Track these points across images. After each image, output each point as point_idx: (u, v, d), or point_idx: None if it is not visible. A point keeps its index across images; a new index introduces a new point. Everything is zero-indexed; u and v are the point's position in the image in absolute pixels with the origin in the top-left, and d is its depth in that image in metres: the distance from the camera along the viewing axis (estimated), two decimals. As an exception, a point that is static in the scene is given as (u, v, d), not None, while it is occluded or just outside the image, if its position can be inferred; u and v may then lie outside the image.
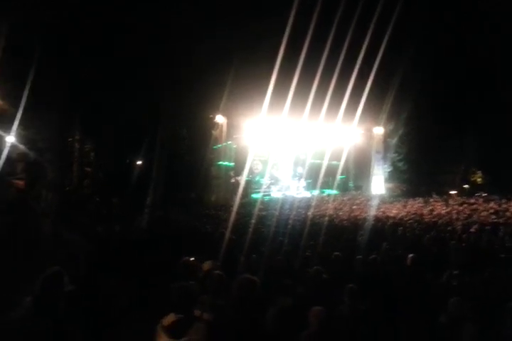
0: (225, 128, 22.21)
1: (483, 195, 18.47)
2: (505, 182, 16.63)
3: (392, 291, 5.05)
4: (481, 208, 14.20)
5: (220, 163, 22.53)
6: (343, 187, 25.01)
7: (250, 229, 8.10)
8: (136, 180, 19.69)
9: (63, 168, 16.00)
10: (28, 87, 12.35)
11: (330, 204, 16.69)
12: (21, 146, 17.19)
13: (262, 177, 22.67)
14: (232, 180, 21.91)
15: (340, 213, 14.36)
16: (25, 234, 4.38)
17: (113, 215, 11.80)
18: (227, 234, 6.50)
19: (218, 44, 17.48)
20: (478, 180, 23.27)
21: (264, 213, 13.74)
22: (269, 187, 22.96)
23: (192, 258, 4.11)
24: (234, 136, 22.56)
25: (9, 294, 2.94)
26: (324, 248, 7.55)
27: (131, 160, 22.66)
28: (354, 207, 16.32)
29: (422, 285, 5.26)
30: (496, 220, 11.55)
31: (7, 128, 14.77)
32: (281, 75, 16.86)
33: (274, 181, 23.54)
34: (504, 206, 14.22)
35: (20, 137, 16.24)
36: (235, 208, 12.16)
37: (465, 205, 15.17)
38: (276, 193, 22.12)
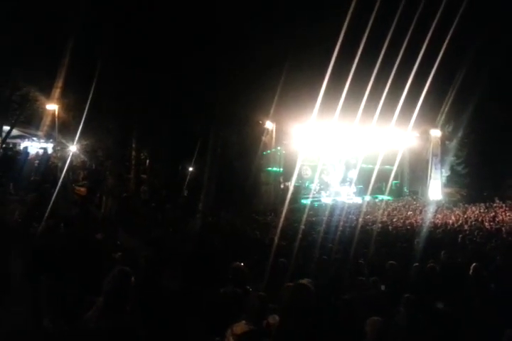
0: (274, 134, 22.32)
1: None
2: None
3: (453, 301, 4.79)
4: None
5: (269, 168, 22.63)
6: (397, 193, 24.15)
7: (300, 236, 8.05)
8: (189, 186, 20.30)
9: (121, 176, 16.85)
10: (89, 100, 13.19)
11: (383, 211, 16.16)
12: (83, 155, 18.40)
13: (312, 182, 22.47)
14: (282, 186, 21.90)
15: (395, 219, 13.86)
16: (90, 243, 4.68)
17: (166, 220, 12.21)
18: (276, 240, 6.51)
19: (269, 50, 17.63)
20: (548, 184, 21.45)
21: (313, 219, 13.59)
22: (318, 192, 22.68)
23: (242, 264, 4.16)
24: (283, 142, 22.59)
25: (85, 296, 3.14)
26: (377, 256, 7.34)
27: (183, 167, 23.39)
28: (409, 213, 15.68)
29: (483, 297, 4.96)
30: None
31: (70, 139, 15.89)
32: (333, 78, 16.66)
33: (324, 186, 23.22)
34: None
35: (82, 146, 17.41)
36: (284, 214, 12.13)
37: (534, 212, 14.08)
38: (326, 199, 21.79)
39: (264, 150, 22.59)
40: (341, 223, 12.25)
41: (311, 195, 21.47)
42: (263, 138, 22.30)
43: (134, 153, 19.30)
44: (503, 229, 10.79)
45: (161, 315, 3.42)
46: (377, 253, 7.68)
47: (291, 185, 19.41)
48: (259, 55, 17.33)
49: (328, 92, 17.15)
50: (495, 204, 16.93)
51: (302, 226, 10.67)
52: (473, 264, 5.99)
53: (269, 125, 22.06)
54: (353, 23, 15.29)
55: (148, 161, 21.91)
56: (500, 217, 13.37)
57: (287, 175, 21.51)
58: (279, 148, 22.65)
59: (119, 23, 13.68)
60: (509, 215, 13.73)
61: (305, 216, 14.04)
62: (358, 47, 15.54)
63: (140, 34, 14.34)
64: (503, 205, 16.67)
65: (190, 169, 22.58)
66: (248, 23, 16.96)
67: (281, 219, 11.00)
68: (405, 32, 15.89)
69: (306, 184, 22.85)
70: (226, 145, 19.74)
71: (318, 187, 22.93)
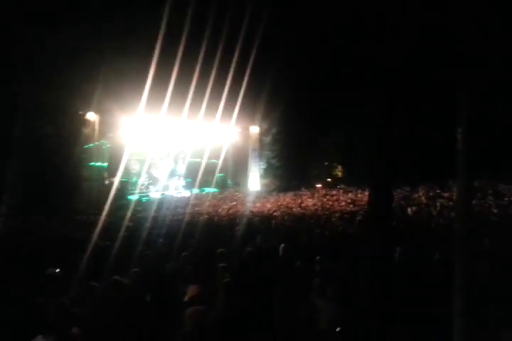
0: (97, 126, 20.77)
1: (343, 186, 20.95)
2: (359, 175, 19.04)
3: (267, 281, 5.39)
4: (341, 198, 16.06)
5: (93, 163, 21.01)
6: (222, 185, 25.63)
7: (126, 233, 7.81)
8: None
9: None
10: None
11: (209, 202, 16.98)
12: None
13: (140, 177, 21.88)
14: (106, 182, 20.63)
15: (220, 210, 14.73)
16: None
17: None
18: (100, 240, 6.18)
19: (84, 32, 16.15)
20: (339, 173, 26.21)
21: (141, 215, 13.31)
22: (147, 187, 22.25)
23: (57, 270, 3.82)
24: (108, 135, 21.26)
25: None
26: (204, 245, 7.70)
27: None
28: (232, 203, 16.90)
29: (293, 273, 5.74)
30: (353, 209, 13.22)
31: None
32: (159, 72, 16.50)
33: (153, 181, 22.91)
34: (359, 196, 16.32)
35: None
36: (109, 211, 11.52)
37: (328, 197, 16.99)
38: (154, 194, 21.57)
39: (86, 144, 20.79)
40: (170, 217, 12.38)
41: (138, 191, 20.90)
42: (84, 130, 20.51)
43: None
44: (308, 213, 12.75)
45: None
46: (203, 243, 8.06)
47: (117, 181, 18.47)
48: (73, 38, 15.78)
49: (154, 85, 16.94)
50: (301, 192, 19.77)
51: (129, 223, 10.35)
52: (282, 245, 6.93)
53: (91, 116, 20.40)
54: (177, 17, 15.44)
55: None
56: (305, 203, 15.68)
57: (113, 170, 20.37)
58: (103, 141, 21.21)
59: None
60: (311, 201, 16.22)
61: (132, 212, 13.65)
62: (180, 42, 15.81)
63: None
64: (308, 192, 19.63)
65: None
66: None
67: (106, 218, 10.43)
68: (223, 32, 16.84)
69: (134, 179, 22.11)
70: (38, 138, 17.41)
71: (146, 182, 22.47)
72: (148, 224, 9.89)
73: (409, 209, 11.54)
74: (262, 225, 10.33)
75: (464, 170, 2.22)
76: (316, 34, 18.49)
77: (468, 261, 2.21)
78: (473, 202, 11.58)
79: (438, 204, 12.12)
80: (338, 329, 3.49)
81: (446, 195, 14.07)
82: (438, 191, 15.26)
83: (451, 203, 11.81)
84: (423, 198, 14.28)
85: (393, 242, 6.51)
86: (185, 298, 3.97)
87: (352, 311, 3.79)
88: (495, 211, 10.18)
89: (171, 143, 22.83)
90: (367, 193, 16.31)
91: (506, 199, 12.25)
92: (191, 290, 4.00)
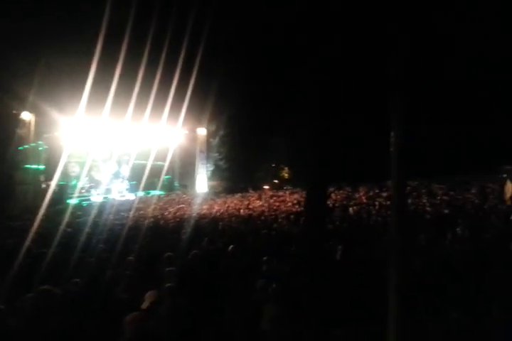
0: (32, 127, 19.56)
1: (289, 188, 21.41)
2: (305, 177, 19.57)
3: (214, 283, 5.36)
4: (287, 199, 16.37)
5: (28, 166, 19.74)
6: (169, 188, 25.18)
7: (64, 240, 7.41)
8: None
9: None
10: None
11: (155, 205, 16.58)
12: None
13: (80, 180, 20.88)
14: (43, 186, 19.48)
15: (166, 213, 14.44)
16: None
17: None
18: (35, 247, 5.82)
19: (17, 29, 15.22)
20: (285, 175, 26.74)
21: (81, 220, 12.70)
22: (88, 191, 21.29)
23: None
24: (45, 136, 20.09)
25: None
26: (149, 250, 7.50)
27: None
28: (179, 206, 16.63)
29: (242, 273, 5.75)
30: (299, 209, 13.52)
31: None
32: (101, 72, 15.87)
33: (95, 184, 21.96)
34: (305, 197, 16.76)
35: None
36: (46, 217, 10.86)
37: (275, 198, 17.26)
38: (96, 197, 20.67)
39: (20, 145, 19.52)
40: (112, 221, 11.92)
41: (78, 194, 19.95)
42: (19, 130, 19.25)
43: None
44: (254, 214, 12.85)
45: None
46: (148, 248, 7.85)
47: (55, 184, 17.50)
48: (6, 36, 14.81)
49: (97, 85, 16.28)
50: (248, 194, 19.91)
51: (68, 229, 9.83)
52: (230, 246, 6.93)
53: (26, 116, 19.17)
54: (120, 16, 14.96)
55: None
56: (252, 204, 15.80)
57: (50, 173, 19.26)
58: (40, 142, 20.00)
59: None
60: (258, 202, 16.39)
61: (71, 217, 12.99)
62: (126, 42, 15.35)
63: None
64: (255, 194, 19.81)
65: None
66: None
67: (43, 223, 9.83)
68: (168, 34, 16.59)
69: (74, 182, 21.07)
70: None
71: (87, 185, 21.49)
72: (88, 230, 9.45)
73: (350, 209, 12.03)
74: (209, 227, 10.27)
75: (397, 171, 2.34)
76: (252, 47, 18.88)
77: (402, 257, 2.33)
78: (409, 201, 12.32)
79: (377, 203, 12.73)
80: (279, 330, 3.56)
81: (384, 194, 14.83)
82: (377, 191, 16.05)
83: (388, 202, 12.50)
84: (363, 198, 14.94)
85: (336, 241, 6.76)
86: (144, 305, 3.80)
87: (294, 311, 3.86)
88: (428, 209, 10.89)
89: (114, 144, 22.04)
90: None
91: (438, 198, 13.16)
92: (149, 297, 3.85)
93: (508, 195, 12.16)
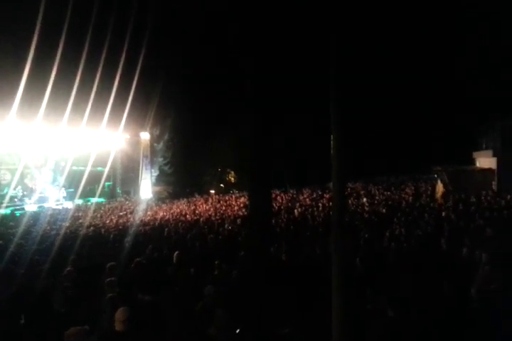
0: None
1: (235, 192, 21.46)
2: (248, 180, 19.74)
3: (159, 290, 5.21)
4: (233, 203, 16.38)
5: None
6: (111, 194, 24.21)
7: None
8: None
9: None
10: None
11: (96, 213, 15.84)
12: None
13: (11, 188, 19.44)
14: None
15: (107, 221, 13.84)
16: None
17: None
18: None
19: None
20: (232, 179, 26.79)
21: (13, 230, 11.79)
22: (21, 199, 19.88)
23: None
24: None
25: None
26: (88, 260, 7.15)
27: None
28: (122, 213, 16.03)
29: (188, 280, 5.64)
30: (245, 213, 13.57)
31: None
32: (36, 72, 14.96)
33: (28, 192, 20.56)
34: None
35: None
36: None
37: (221, 202, 17.20)
38: (30, 206, 19.34)
39: None
40: (48, 231, 11.22)
41: (9, 204, 18.55)
42: None
43: None
44: (201, 219, 12.70)
45: None
46: (88, 258, 7.48)
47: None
48: None
49: (31, 86, 15.33)
50: (195, 199, 19.67)
51: (-1, 241, 9.09)
52: (176, 252, 6.78)
53: None
54: (55, 15, 14.26)
55: None
56: (199, 209, 15.62)
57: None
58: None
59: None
60: (205, 207, 16.24)
61: (3, 228, 12.07)
62: (63, 43, 14.64)
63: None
64: (201, 199, 19.61)
65: None
66: None
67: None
68: (108, 37, 16.13)
69: (5, 190, 19.58)
70: None
71: (20, 194, 20.06)
72: (21, 241, 8.81)
73: (295, 211, 12.30)
74: (153, 234, 9.99)
75: (337, 173, 2.43)
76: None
77: (343, 253, 2.42)
78: (349, 201, 12.85)
79: (320, 204, 13.14)
80: (237, 331, 3.53)
81: (327, 196, 15.35)
82: (320, 193, 16.57)
83: (331, 203, 12.98)
84: (307, 200, 15.34)
85: (282, 241, 6.88)
86: (119, 327, 3.46)
87: (241, 315, 3.86)
88: (367, 209, 11.42)
89: (50, 150, 20.79)
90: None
91: (377, 198, 13.87)
92: (120, 314, 3.54)
93: (438, 194, 13.11)
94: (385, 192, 14.85)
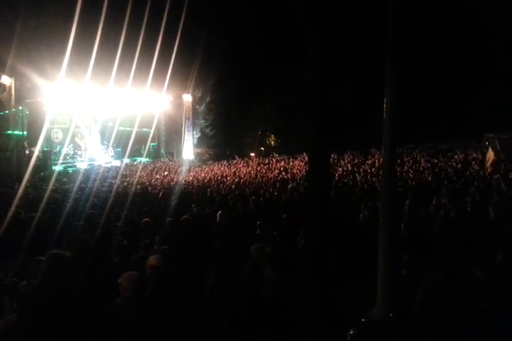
0: (13, 91, 18.84)
1: (276, 155, 21.48)
2: (292, 145, 19.57)
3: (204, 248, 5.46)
4: (274, 166, 16.48)
5: (9, 132, 19.25)
6: (155, 155, 25.01)
7: (52, 206, 7.40)
8: None
9: None
10: None
11: (142, 172, 16.52)
12: None
13: (64, 146, 20.53)
14: (27, 152, 19.13)
15: (153, 180, 14.42)
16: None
17: None
18: (23, 213, 5.82)
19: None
20: (272, 142, 26.72)
21: (67, 186, 12.60)
22: (73, 157, 21.02)
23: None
24: (27, 101, 19.44)
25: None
26: (138, 216, 7.55)
27: None
28: (166, 173, 16.60)
29: (234, 238, 5.83)
30: (285, 176, 13.67)
31: None
32: (82, 35, 15.22)
33: (79, 151, 21.66)
34: (291, 164, 16.87)
35: None
36: (30, 183, 10.74)
37: (261, 165, 17.34)
38: (81, 164, 20.44)
39: (0, 111, 18.94)
40: (99, 188, 11.89)
41: (63, 161, 19.68)
42: (-3, 95, 18.63)
43: None
44: (241, 181, 12.94)
45: None
46: (138, 214, 7.89)
47: (38, 150, 17.20)
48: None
49: (80, 49, 15.66)
50: (235, 161, 19.93)
51: (56, 195, 9.79)
52: (219, 212, 7.03)
53: (5, 80, 18.41)
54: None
55: None
56: (240, 172, 15.87)
57: (33, 139, 18.85)
58: (21, 107, 19.37)
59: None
60: (246, 169, 16.45)
61: (57, 183, 12.90)
62: (106, 4, 14.64)
63: None
64: (242, 161, 19.84)
65: None
66: None
67: (28, 189, 9.74)
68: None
69: (57, 148, 20.72)
70: None
71: (72, 152, 21.18)
72: (76, 196, 9.43)
73: (336, 175, 12.24)
74: (197, 194, 10.33)
75: (388, 138, 2.38)
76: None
77: (392, 222, 2.41)
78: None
79: (361, 170, 12.94)
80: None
81: (369, 161, 15.04)
82: (362, 158, 16.25)
83: (373, 169, 12.70)
84: (348, 165, 15.13)
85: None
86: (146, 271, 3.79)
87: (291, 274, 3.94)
88: (411, 176, 11.13)
89: (98, 110, 21.52)
90: (297, 162, 16.95)
91: (422, 165, 13.43)
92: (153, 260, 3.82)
93: (489, 163, 12.49)
94: (432, 159, 14.34)
